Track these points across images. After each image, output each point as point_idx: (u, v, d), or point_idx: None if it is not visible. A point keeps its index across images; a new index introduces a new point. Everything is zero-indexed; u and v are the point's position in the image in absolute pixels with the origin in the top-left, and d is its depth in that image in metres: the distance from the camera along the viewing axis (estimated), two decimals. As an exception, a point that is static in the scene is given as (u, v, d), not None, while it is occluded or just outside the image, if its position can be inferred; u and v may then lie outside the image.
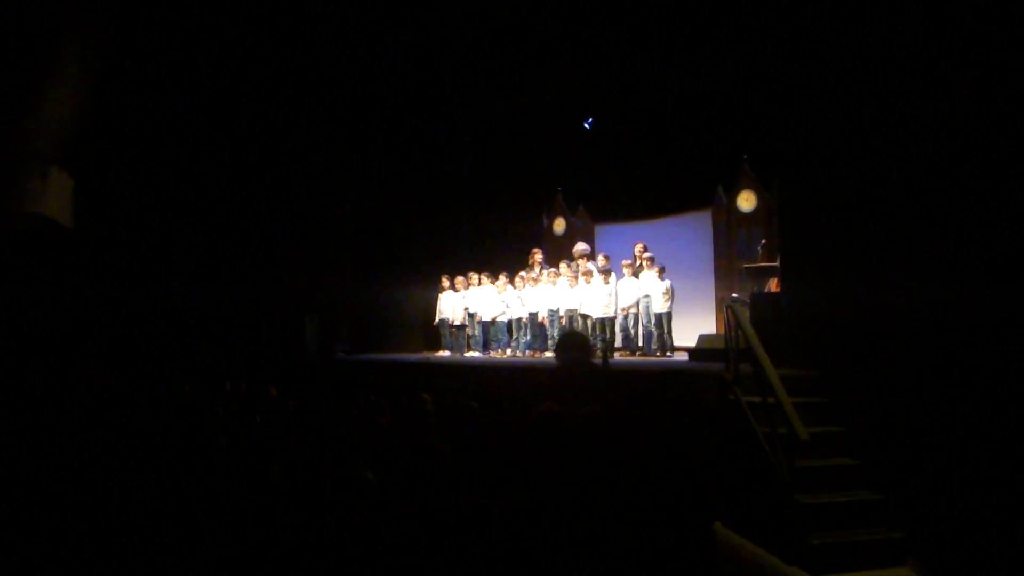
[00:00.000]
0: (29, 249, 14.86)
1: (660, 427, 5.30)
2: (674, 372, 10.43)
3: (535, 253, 15.66)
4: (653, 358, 13.21)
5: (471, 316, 15.87)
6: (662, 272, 13.54)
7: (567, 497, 4.11)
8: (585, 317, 13.78)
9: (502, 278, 15.44)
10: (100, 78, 14.94)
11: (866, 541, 7.05)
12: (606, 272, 13.77)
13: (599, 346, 13.03)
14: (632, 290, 13.66)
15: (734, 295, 12.91)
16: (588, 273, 13.88)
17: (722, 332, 11.37)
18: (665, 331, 13.37)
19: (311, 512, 3.68)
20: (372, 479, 3.82)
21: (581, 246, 15.38)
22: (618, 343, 13.96)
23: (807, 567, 6.88)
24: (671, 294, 13.40)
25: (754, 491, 7.57)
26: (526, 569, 3.63)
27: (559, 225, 18.28)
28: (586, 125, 18.36)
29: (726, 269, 15.10)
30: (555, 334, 14.19)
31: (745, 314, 9.13)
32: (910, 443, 7.33)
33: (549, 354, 14.10)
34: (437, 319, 16.64)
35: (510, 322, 15.26)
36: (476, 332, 15.90)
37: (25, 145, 13.32)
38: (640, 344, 13.79)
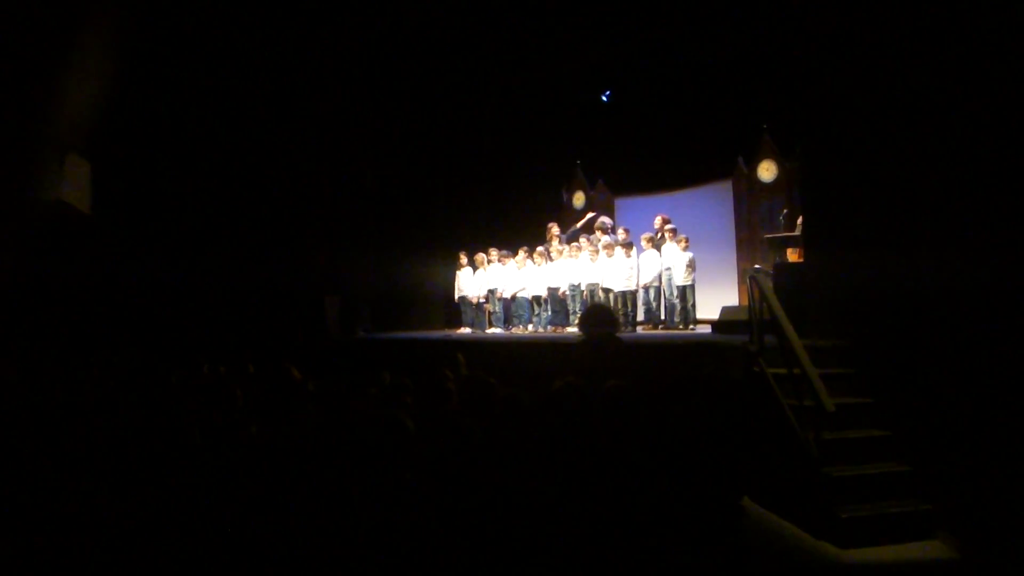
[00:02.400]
0: (47, 235, 14.88)
1: (687, 401, 5.23)
2: (698, 345, 10.35)
3: (551, 228, 15.57)
4: (676, 331, 13.13)
5: (491, 292, 15.79)
6: (686, 243, 13.43)
7: (591, 471, 4.06)
8: (607, 291, 13.69)
9: (522, 253, 15.35)
10: (116, 63, 14.93)
11: (896, 514, 6.98)
12: (627, 245, 13.67)
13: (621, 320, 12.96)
14: (654, 263, 13.55)
15: (757, 266, 12.82)
16: (610, 247, 13.77)
17: (745, 304, 11.28)
18: (688, 304, 13.28)
19: (331, 500, 3.63)
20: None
21: (603, 219, 15.30)
22: (640, 316, 13.88)
23: (836, 540, 6.89)
24: (693, 266, 13.30)
25: (781, 464, 7.51)
26: (552, 543, 3.57)
27: (579, 199, 18.22)
28: (604, 97, 18.26)
29: (748, 240, 15.03)
30: (576, 309, 14.13)
31: (768, 285, 9.03)
32: (939, 413, 7.23)
33: (571, 329, 14.04)
34: (457, 296, 16.58)
35: (531, 298, 15.17)
36: (497, 308, 15.84)
37: (42, 131, 13.32)
38: (663, 317, 13.71)
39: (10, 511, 3.49)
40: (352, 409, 5.74)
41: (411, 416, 4.18)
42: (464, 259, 16.35)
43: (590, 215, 15.76)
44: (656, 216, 14.37)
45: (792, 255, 11.91)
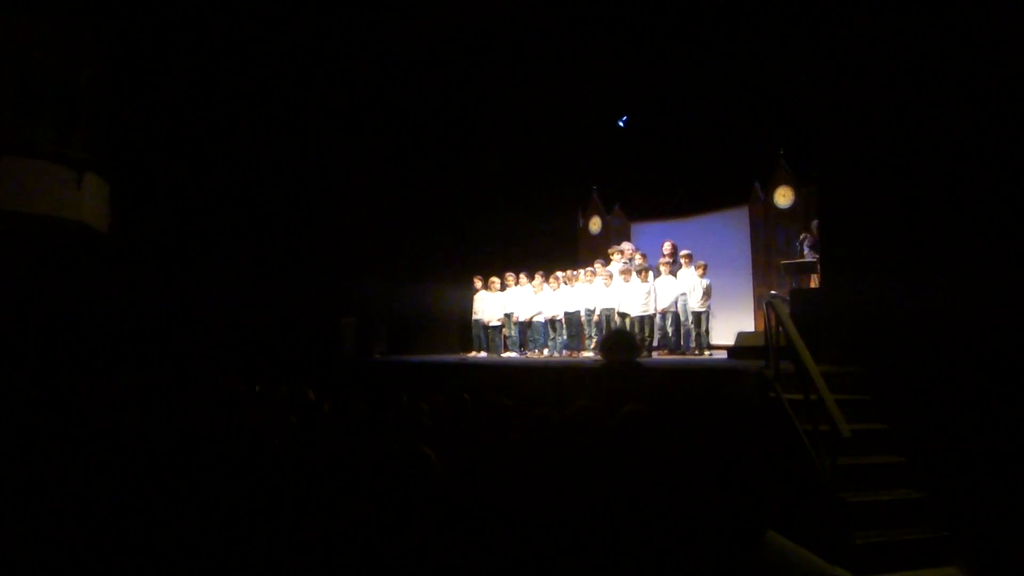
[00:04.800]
0: (66, 253, 14.97)
1: (703, 426, 5.23)
2: (715, 370, 10.35)
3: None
4: (692, 356, 13.11)
5: (508, 316, 15.79)
6: (703, 270, 13.42)
7: (609, 495, 4.06)
8: (623, 316, 13.67)
9: (538, 278, 15.37)
10: (136, 82, 15.08)
11: (911, 540, 6.95)
12: (644, 271, 13.66)
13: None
14: (670, 289, 13.55)
15: (773, 292, 12.80)
16: (627, 272, 13.77)
17: (761, 329, 11.26)
18: (702, 329, 13.27)
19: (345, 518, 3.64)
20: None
21: (626, 244, 15.31)
22: (656, 341, 13.85)
23: (851, 567, 6.79)
24: (709, 293, 13.30)
25: (797, 489, 7.49)
26: (570, 568, 3.57)
27: (595, 224, 18.20)
28: (621, 123, 18.28)
29: (764, 266, 14.97)
30: (592, 334, 14.13)
31: (785, 311, 9.03)
32: (955, 440, 7.22)
33: (587, 354, 14.04)
34: (472, 319, 16.57)
35: (547, 322, 15.18)
36: (513, 332, 15.83)
37: (61, 151, 13.44)
38: (679, 343, 13.68)
39: (22, 521, 3.51)
40: (369, 434, 5.75)
41: (430, 441, 4.19)
42: (479, 283, 16.36)
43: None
44: (665, 242, 14.38)
45: (815, 281, 11.91)
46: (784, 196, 14.73)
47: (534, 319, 15.34)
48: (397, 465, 3.51)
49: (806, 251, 12.70)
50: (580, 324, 14.53)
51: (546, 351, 15.20)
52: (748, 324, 14.44)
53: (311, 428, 6.03)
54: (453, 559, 3.22)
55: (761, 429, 8.14)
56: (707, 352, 13.21)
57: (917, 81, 8.24)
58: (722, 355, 12.65)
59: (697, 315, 13.29)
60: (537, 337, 15.40)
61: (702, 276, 13.37)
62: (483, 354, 16.12)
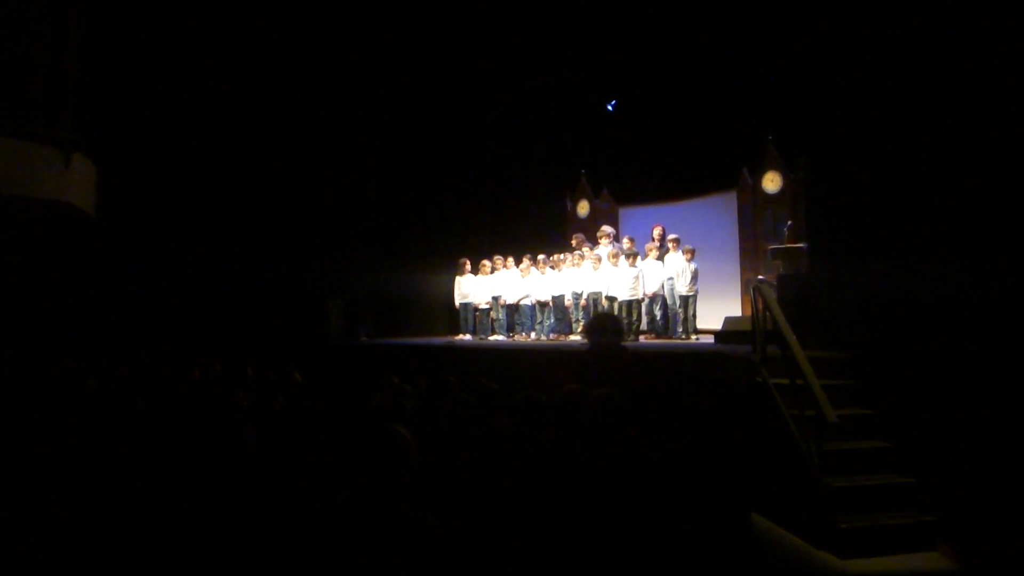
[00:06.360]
0: (52, 236, 14.88)
1: (690, 410, 5.23)
2: (702, 355, 10.35)
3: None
4: (679, 340, 13.12)
5: (495, 299, 15.77)
6: (691, 254, 13.43)
7: (594, 478, 4.06)
8: (611, 300, 13.68)
9: (526, 261, 15.36)
10: (124, 63, 14.98)
11: (896, 525, 6.97)
12: (632, 255, 13.65)
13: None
14: (658, 273, 13.56)
15: (760, 276, 12.80)
16: (616, 256, 13.77)
17: (748, 314, 11.26)
18: (689, 313, 13.29)
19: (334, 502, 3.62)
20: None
21: (605, 227, 15.29)
22: (643, 326, 13.86)
23: (836, 551, 6.87)
24: (696, 277, 13.31)
25: (782, 474, 7.51)
26: (556, 553, 3.57)
27: (583, 208, 18.18)
28: (609, 107, 18.25)
29: (752, 251, 14.97)
30: (579, 317, 14.14)
31: (772, 295, 9.03)
32: (941, 425, 7.23)
33: (574, 337, 14.04)
34: (457, 303, 16.53)
35: (534, 305, 15.17)
36: (500, 315, 15.82)
37: (48, 132, 13.34)
38: (666, 327, 13.70)
39: (11, 509, 3.49)
40: (352, 416, 5.74)
41: (412, 422, 4.17)
42: (468, 265, 16.30)
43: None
44: (654, 226, 14.38)
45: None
46: (772, 181, 14.73)
47: (521, 302, 15.34)
48: (376, 449, 3.48)
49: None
50: (567, 308, 14.52)
51: (533, 334, 15.20)
52: (735, 309, 14.46)
53: (296, 411, 6.02)
54: (438, 543, 3.21)
55: (747, 414, 8.15)
56: (694, 336, 13.24)
57: (906, 66, 8.22)
58: (709, 339, 12.66)
59: (685, 299, 13.32)
60: (524, 320, 15.40)
61: (690, 261, 13.39)
62: (468, 337, 16.10)
